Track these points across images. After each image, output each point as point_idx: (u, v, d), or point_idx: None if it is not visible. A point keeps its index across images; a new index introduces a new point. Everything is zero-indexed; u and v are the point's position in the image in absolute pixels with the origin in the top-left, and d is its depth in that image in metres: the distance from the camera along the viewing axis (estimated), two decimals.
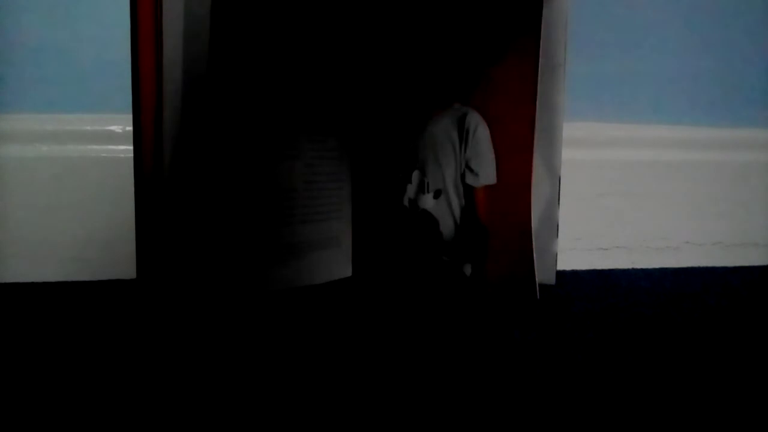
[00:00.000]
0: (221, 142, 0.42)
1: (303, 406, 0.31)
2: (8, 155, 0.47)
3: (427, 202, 0.47)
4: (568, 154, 0.47)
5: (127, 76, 0.39)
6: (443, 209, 0.46)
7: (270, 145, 0.44)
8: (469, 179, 0.45)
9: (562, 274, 0.50)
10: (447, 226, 0.46)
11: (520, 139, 0.44)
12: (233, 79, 0.42)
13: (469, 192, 0.46)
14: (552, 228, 0.47)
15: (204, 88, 0.41)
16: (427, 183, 0.46)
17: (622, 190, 0.55)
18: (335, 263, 0.48)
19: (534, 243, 0.44)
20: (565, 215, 0.48)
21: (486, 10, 0.44)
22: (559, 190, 0.46)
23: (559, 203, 0.46)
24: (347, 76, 0.46)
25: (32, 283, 0.47)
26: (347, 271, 0.49)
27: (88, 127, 0.48)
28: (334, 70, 0.46)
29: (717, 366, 0.37)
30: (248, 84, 0.43)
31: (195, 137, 0.41)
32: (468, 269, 0.46)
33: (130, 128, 0.43)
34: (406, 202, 0.47)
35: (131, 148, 0.41)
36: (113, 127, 0.48)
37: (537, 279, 0.45)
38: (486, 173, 0.45)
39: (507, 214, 0.44)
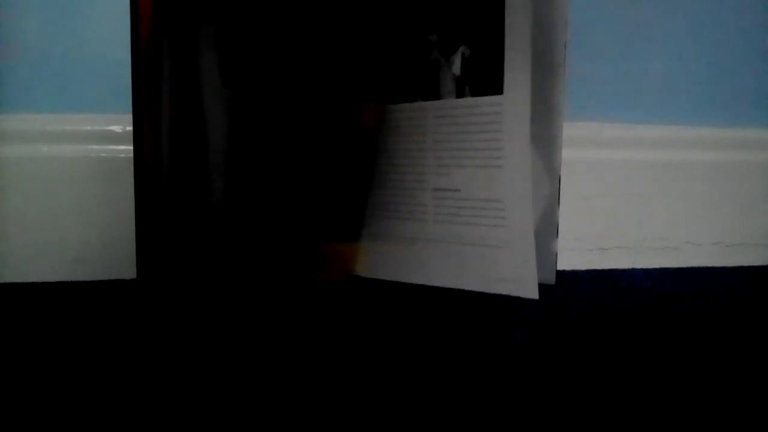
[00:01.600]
0: (219, 142, 0.42)
1: (302, 405, 0.31)
2: (8, 155, 0.47)
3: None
4: (568, 154, 0.47)
5: (127, 76, 0.39)
6: None
7: (269, 144, 0.44)
8: None
9: (562, 274, 0.50)
10: None
11: None
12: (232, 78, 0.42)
13: None
14: (552, 228, 0.47)
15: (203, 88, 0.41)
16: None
17: (622, 190, 0.55)
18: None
19: (534, 243, 0.44)
20: (565, 215, 0.48)
21: None
22: (559, 190, 0.46)
23: (559, 203, 0.46)
24: (349, 73, 0.46)
25: (32, 283, 0.47)
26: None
27: (88, 127, 0.48)
28: (334, 68, 0.46)
29: (717, 366, 0.37)
30: (247, 82, 0.43)
31: (195, 137, 0.41)
32: None
33: (130, 128, 0.43)
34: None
35: (131, 148, 0.41)
36: (113, 127, 0.48)
37: (537, 279, 0.45)
38: None
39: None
